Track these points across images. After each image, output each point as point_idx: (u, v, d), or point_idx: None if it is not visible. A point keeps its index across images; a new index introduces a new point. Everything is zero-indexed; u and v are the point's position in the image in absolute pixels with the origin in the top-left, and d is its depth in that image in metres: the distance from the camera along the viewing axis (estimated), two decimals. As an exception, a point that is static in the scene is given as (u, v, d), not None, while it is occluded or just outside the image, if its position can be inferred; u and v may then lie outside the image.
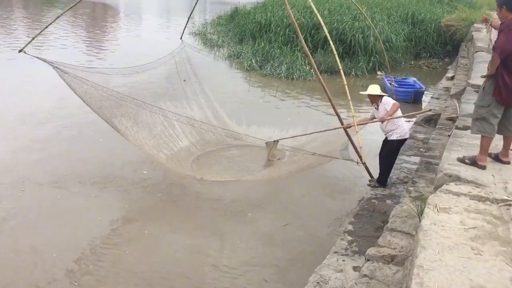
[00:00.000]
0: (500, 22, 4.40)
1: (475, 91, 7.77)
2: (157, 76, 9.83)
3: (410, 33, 20.44)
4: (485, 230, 3.21)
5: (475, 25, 18.31)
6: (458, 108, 8.70)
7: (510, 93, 4.21)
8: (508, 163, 4.43)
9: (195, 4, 10.84)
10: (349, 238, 5.37)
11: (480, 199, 3.68)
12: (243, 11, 24.24)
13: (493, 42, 5.06)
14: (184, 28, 10.27)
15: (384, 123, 6.77)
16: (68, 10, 7.58)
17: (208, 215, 6.96)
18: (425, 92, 14.02)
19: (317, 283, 4.40)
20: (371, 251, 4.04)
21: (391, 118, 6.70)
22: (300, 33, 7.45)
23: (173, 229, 6.49)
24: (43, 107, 10.93)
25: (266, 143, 8.65)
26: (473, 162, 4.30)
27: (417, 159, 7.70)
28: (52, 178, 7.63)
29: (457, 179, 4.01)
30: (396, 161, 7.66)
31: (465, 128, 5.51)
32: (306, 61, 16.60)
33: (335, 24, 18.08)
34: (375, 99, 6.98)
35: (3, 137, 9.18)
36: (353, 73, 16.67)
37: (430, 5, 23.90)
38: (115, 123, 7.30)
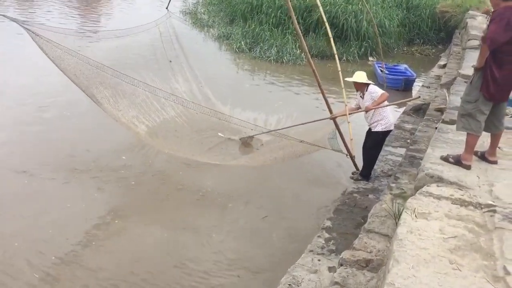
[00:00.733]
0: (490, 11, 4.08)
1: (465, 82, 7.48)
2: (140, 44, 9.37)
3: (404, 19, 19.98)
4: (466, 240, 2.95)
5: (470, 12, 17.96)
6: (447, 98, 8.42)
7: (499, 88, 3.92)
8: (495, 162, 4.17)
9: None
10: (327, 235, 5.12)
11: (463, 203, 3.41)
12: (235, -9, 23.61)
13: None
14: None
15: (369, 113, 6.48)
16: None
17: (187, 206, 6.66)
18: (416, 80, 13.70)
19: (289, 285, 4.15)
20: (345, 254, 3.78)
21: (377, 107, 6.40)
22: (293, 13, 7.11)
23: (147, 221, 6.18)
24: (19, 84, 10.48)
25: (240, 139, 8.34)
26: (457, 161, 4.02)
27: (403, 151, 7.44)
28: (21, 163, 7.26)
29: (439, 180, 3.74)
30: (381, 153, 7.41)
31: (452, 122, 5.23)
32: (297, 45, 16.20)
33: (327, 7, 17.56)
34: (360, 87, 6.66)
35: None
36: (344, 58, 16.28)
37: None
38: (92, 92, 6.87)
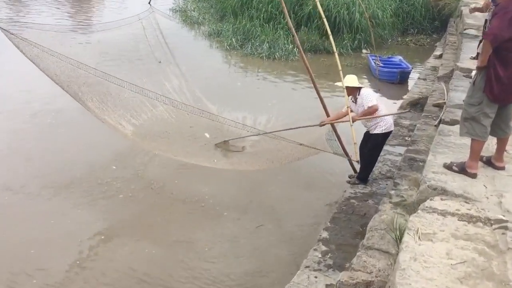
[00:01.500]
0: (491, 4, 3.75)
1: (464, 75, 7.16)
2: (123, 39, 8.94)
3: (397, 9, 19.61)
4: (477, 265, 2.63)
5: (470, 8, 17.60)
6: (445, 92, 8.10)
7: (504, 88, 3.58)
8: (503, 168, 3.85)
9: None
10: (324, 247, 4.81)
11: (470, 219, 3.10)
12: (225, -14, 23.17)
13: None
14: None
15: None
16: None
17: (180, 217, 6.35)
18: (412, 72, 13.36)
19: (284, 308, 3.84)
20: (343, 277, 3.47)
21: (362, 119, 6.08)
22: (285, 8, 6.79)
23: (137, 237, 5.87)
24: (4, 91, 10.09)
25: (215, 145, 7.94)
26: (462, 169, 3.70)
27: (402, 150, 7.12)
28: (3, 178, 6.93)
29: (443, 192, 3.42)
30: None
31: (453, 122, 4.92)
32: (289, 40, 15.84)
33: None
34: (352, 91, 6.28)
35: None
36: (338, 51, 15.89)
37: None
38: (75, 91, 6.55)
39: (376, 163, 6.78)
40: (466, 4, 16.05)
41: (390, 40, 18.55)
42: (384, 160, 7.05)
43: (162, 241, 5.75)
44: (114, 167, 7.49)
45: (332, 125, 6.67)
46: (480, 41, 4.97)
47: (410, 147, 5.99)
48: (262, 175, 7.42)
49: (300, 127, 7.19)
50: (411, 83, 12.51)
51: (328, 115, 6.51)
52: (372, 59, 13.71)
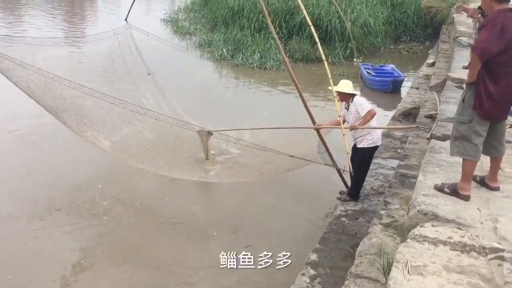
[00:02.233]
0: (479, 13, 3.54)
1: (456, 86, 6.98)
2: (98, 54, 8.67)
3: (390, 16, 19.59)
4: (471, 303, 2.41)
5: (457, 5, 17.54)
6: (438, 103, 7.91)
7: (496, 105, 3.37)
8: (497, 189, 3.63)
9: None
10: (312, 271, 4.57)
11: (464, 248, 2.88)
12: (217, -4, 23.07)
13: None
14: (130, 9, 9.01)
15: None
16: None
17: (164, 239, 6.04)
18: (404, 80, 13.21)
19: None
20: (330, 309, 3.24)
21: (365, 128, 5.83)
22: (269, 18, 6.58)
23: (120, 261, 5.59)
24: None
25: (198, 132, 7.22)
26: (453, 191, 3.48)
27: (394, 163, 6.92)
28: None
29: (434, 217, 3.20)
30: (371, 167, 6.86)
31: (445, 138, 4.71)
32: (280, 49, 15.67)
33: (310, 9, 17.07)
34: (345, 98, 6.03)
35: None
36: (330, 60, 15.76)
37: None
38: (51, 105, 6.31)
39: (368, 177, 6.57)
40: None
41: (382, 48, 18.47)
42: (376, 174, 6.85)
43: (145, 266, 5.48)
44: (100, 186, 7.23)
45: (319, 134, 6.36)
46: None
47: (401, 162, 5.79)
48: (251, 188, 7.19)
49: (293, 128, 6.91)
50: (404, 92, 12.35)
51: (314, 122, 6.17)
52: (364, 68, 13.56)
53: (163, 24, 21.83)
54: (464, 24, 12.75)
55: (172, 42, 8.97)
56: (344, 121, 6.21)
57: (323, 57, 6.79)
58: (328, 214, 6.45)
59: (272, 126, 7.29)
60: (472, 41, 9.26)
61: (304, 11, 6.96)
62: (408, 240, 2.96)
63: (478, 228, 3.11)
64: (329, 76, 6.25)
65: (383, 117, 10.20)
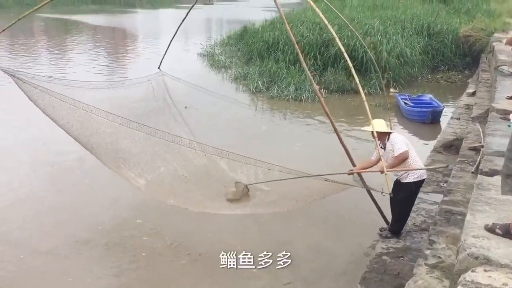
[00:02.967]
0: None
1: (501, 117, 6.72)
2: (133, 99, 8.87)
3: (426, 46, 19.39)
4: None
5: (495, 35, 17.20)
6: (481, 135, 7.62)
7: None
8: (554, 230, 3.39)
9: (177, 29, 9.53)
10: (354, 316, 4.37)
11: (521, 297, 2.67)
12: (252, 30, 23.51)
13: None
14: (163, 56, 9.23)
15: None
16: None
17: (202, 275, 5.94)
18: (444, 110, 12.88)
19: None
20: None
21: (394, 170, 5.63)
22: (300, 52, 6.51)
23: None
24: (28, 142, 10.17)
25: (235, 183, 7.15)
26: (506, 232, 3.27)
27: (437, 197, 6.66)
28: (19, 235, 6.77)
29: (487, 261, 3.00)
30: (412, 201, 6.64)
31: (492, 173, 4.50)
32: (316, 81, 15.69)
33: (345, 40, 17.12)
34: (380, 136, 5.78)
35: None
36: (365, 91, 15.65)
37: (447, 15, 22.79)
38: (89, 141, 6.43)
39: (411, 213, 6.33)
40: (498, 39, 15.65)
41: (420, 78, 18.20)
42: (418, 209, 6.60)
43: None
44: (139, 221, 7.25)
45: (361, 176, 6.15)
46: None
47: (445, 198, 5.54)
48: (283, 219, 7.05)
49: (325, 175, 6.73)
50: (443, 122, 12.02)
51: (353, 163, 6.02)
52: (401, 99, 13.35)
53: (200, 58, 22.33)
54: (505, 53, 12.43)
55: (200, 87, 9.11)
56: (379, 160, 6.02)
57: (361, 90, 6.57)
58: (368, 250, 6.23)
59: (309, 173, 7.04)
60: None
61: (339, 42, 6.85)
62: (459, 287, 2.77)
63: (535, 273, 2.89)
64: (369, 116, 5.73)
65: (423, 148, 9.94)
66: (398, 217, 5.86)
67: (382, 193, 5.68)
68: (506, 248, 3.15)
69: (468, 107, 11.92)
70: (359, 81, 15.22)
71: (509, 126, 6.49)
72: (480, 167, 4.91)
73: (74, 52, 24.03)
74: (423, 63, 18.72)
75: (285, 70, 16.58)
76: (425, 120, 12.18)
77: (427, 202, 6.80)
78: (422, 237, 5.79)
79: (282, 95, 15.11)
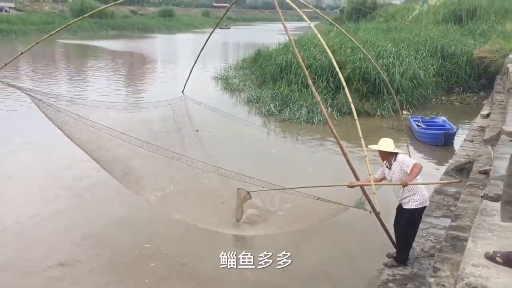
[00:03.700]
0: None
1: (510, 140, 6.58)
2: (152, 120, 9.05)
3: (440, 67, 19.30)
4: None
5: (510, 56, 17.01)
6: (493, 158, 7.47)
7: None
8: (558, 259, 3.27)
9: (200, 53, 9.92)
10: None
11: (519, 329, 2.55)
12: (266, 53, 23.74)
13: None
14: (187, 81, 9.48)
15: (397, 186, 5.65)
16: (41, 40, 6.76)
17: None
18: (457, 133, 12.70)
19: None
20: None
21: (416, 183, 5.54)
22: (308, 76, 6.59)
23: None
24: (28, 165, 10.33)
25: (238, 189, 6.98)
26: (507, 260, 3.16)
27: (447, 222, 6.50)
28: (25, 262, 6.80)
29: (485, 292, 2.90)
30: (421, 226, 6.49)
31: (498, 198, 4.36)
32: (328, 103, 15.68)
33: (358, 63, 17.17)
34: (387, 156, 5.84)
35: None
36: (378, 113, 15.58)
37: (462, 37, 22.70)
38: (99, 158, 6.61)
39: (418, 238, 6.21)
40: (512, 60, 15.47)
41: (434, 100, 18.05)
42: (427, 234, 6.46)
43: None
44: (147, 245, 7.22)
45: (363, 190, 6.09)
46: None
47: (453, 223, 5.41)
48: (285, 242, 6.95)
49: (326, 186, 6.61)
50: (457, 145, 11.84)
51: (357, 179, 5.98)
52: (414, 121, 13.22)
53: (214, 82, 22.56)
54: (520, 74, 12.28)
55: (221, 110, 9.37)
56: (382, 179, 5.98)
57: (353, 109, 6.53)
58: (374, 277, 6.08)
59: (310, 185, 6.99)
60: None
61: (330, 54, 6.81)
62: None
63: (536, 305, 2.77)
64: (360, 135, 5.94)
65: (435, 172, 9.78)
66: (402, 245, 5.74)
67: (370, 212, 5.63)
68: (507, 278, 3.03)
69: (482, 129, 11.71)
70: (372, 103, 15.24)
71: None
72: (485, 192, 4.79)
73: (93, 77, 24.60)
74: (437, 85, 18.61)
75: (297, 93, 16.63)
76: (438, 143, 12.02)
77: (437, 227, 6.65)
78: (430, 264, 5.63)
79: (294, 118, 15.11)
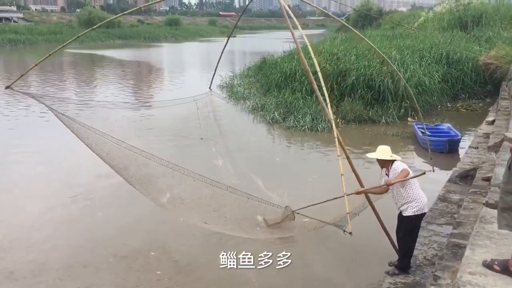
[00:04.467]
0: None
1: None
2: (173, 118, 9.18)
3: (446, 74, 19.19)
4: None
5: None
6: (496, 164, 7.43)
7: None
8: (556, 267, 3.24)
9: (221, 55, 9.97)
10: None
11: (515, 338, 2.53)
12: (271, 61, 23.82)
13: None
14: (212, 78, 9.63)
15: (396, 193, 5.63)
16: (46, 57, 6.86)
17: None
18: (462, 139, 12.63)
19: None
20: None
21: (396, 182, 5.54)
22: (313, 80, 6.59)
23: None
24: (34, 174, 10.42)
25: (285, 207, 7.20)
26: (504, 269, 3.14)
27: (450, 230, 6.45)
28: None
29: (481, 300, 2.88)
30: (424, 234, 6.48)
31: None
32: (332, 111, 15.64)
33: (362, 70, 17.17)
34: (385, 164, 5.83)
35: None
36: (383, 120, 15.55)
37: (468, 43, 22.63)
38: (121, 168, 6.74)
39: (421, 246, 6.19)
40: (518, 67, 15.40)
41: (439, 107, 17.95)
42: (430, 242, 6.42)
43: None
44: (153, 253, 7.23)
45: (368, 198, 6.09)
46: None
47: (454, 231, 5.39)
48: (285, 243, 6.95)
49: (327, 201, 6.60)
50: (462, 152, 11.77)
51: (362, 186, 5.98)
52: (418, 128, 13.17)
53: (219, 90, 22.62)
54: (525, 80, 12.23)
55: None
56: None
57: (327, 110, 6.48)
58: (375, 285, 6.04)
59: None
60: None
61: (315, 60, 6.72)
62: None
63: (533, 313, 2.75)
64: (337, 142, 5.77)
65: (439, 179, 9.71)
66: (403, 252, 5.71)
67: (344, 231, 5.58)
68: (503, 286, 3.01)
69: (487, 135, 11.65)
70: (377, 110, 15.13)
71: None
72: (486, 199, 4.77)
73: (100, 86, 24.87)
74: (443, 91, 18.50)
75: (302, 101, 16.63)
76: (442, 149, 11.95)
77: (440, 235, 6.61)
78: (432, 272, 5.60)
79: (298, 126, 15.09)
